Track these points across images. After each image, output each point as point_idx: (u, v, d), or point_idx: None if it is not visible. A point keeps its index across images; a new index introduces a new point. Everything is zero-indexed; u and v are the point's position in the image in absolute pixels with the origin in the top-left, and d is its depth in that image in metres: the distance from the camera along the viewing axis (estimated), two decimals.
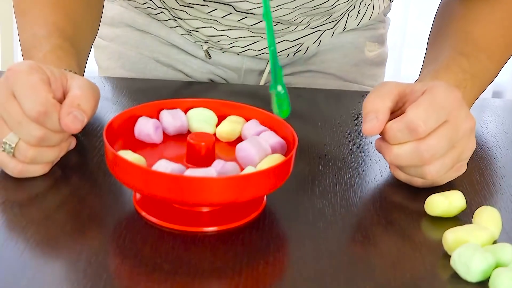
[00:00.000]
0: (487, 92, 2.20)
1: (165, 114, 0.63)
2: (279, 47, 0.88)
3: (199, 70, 0.92)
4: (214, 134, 0.63)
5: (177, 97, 0.69)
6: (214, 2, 0.81)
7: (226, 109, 0.64)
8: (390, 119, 0.61)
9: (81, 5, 0.77)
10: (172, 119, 0.62)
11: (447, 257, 0.54)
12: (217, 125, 0.64)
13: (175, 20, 0.88)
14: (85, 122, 0.60)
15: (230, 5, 0.81)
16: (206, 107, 0.64)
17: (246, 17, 0.83)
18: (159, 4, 0.88)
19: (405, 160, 0.60)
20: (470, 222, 0.58)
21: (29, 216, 0.57)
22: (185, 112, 0.64)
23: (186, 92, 0.84)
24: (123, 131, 0.61)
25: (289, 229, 0.58)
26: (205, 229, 0.56)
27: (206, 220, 0.57)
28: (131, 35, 0.91)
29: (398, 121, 0.59)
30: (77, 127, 0.59)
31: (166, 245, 0.54)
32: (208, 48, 0.89)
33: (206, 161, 0.59)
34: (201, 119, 0.63)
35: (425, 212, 0.60)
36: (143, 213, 0.57)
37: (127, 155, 0.57)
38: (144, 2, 0.88)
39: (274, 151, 0.59)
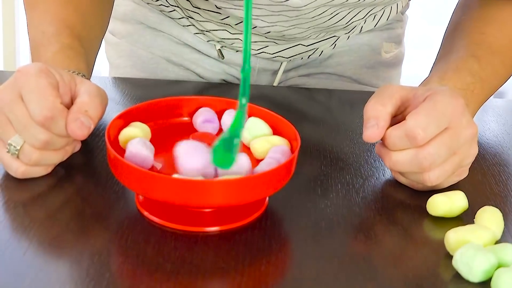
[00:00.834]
0: None
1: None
2: (294, 51, 0.88)
3: (211, 70, 0.91)
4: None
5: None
6: (226, 8, 0.81)
7: (229, 107, 0.64)
8: (392, 123, 0.61)
9: (88, 1, 0.76)
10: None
11: (449, 257, 0.54)
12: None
13: (188, 19, 0.87)
14: (91, 129, 0.60)
15: (240, 16, 0.81)
16: (209, 105, 0.64)
17: (256, 26, 0.82)
18: (172, 2, 0.87)
19: (404, 166, 0.60)
20: (472, 222, 0.58)
21: (32, 215, 0.57)
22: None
23: (192, 92, 0.84)
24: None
25: (291, 229, 0.58)
26: (208, 229, 0.56)
27: (208, 220, 0.57)
28: (143, 33, 0.90)
29: (398, 128, 0.59)
30: (83, 133, 0.59)
31: (168, 245, 0.54)
32: (221, 47, 0.88)
33: None
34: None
35: (427, 212, 0.60)
36: (146, 213, 0.57)
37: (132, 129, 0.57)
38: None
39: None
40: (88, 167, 0.65)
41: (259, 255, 0.54)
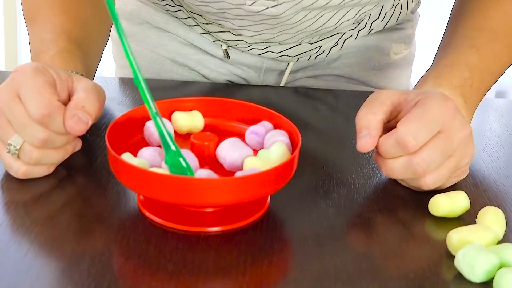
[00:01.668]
0: (491, 92, 2.19)
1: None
2: (299, 50, 0.87)
3: (217, 71, 0.90)
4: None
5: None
6: (217, 20, 0.81)
7: (230, 108, 0.64)
8: (386, 129, 0.61)
9: (89, 7, 0.76)
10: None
11: (451, 257, 0.54)
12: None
13: (193, 19, 0.87)
14: (89, 124, 0.60)
15: (239, 29, 0.81)
16: (207, 106, 0.64)
17: (262, 32, 0.81)
18: (177, 2, 0.87)
19: (399, 173, 0.60)
20: (474, 223, 0.58)
21: (33, 216, 0.57)
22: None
23: (190, 93, 0.84)
24: (126, 133, 0.61)
25: (293, 229, 0.58)
26: (209, 229, 0.56)
27: (210, 220, 0.57)
28: (149, 33, 0.90)
29: (390, 137, 0.59)
30: (81, 129, 0.59)
31: (170, 245, 0.54)
32: (227, 47, 0.88)
33: (210, 161, 0.59)
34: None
35: (429, 212, 0.60)
36: (147, 213, 0.57)
37: (130, 159, 0.57)
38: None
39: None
40: (89, 167, 0.65)
41: (260, 255, 0.54)
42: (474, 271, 0.51)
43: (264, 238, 0.56)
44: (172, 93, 0.83)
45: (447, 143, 0.59)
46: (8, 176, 0.62)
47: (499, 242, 0.56)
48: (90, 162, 0.66)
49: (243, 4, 0.75)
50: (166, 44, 0.90)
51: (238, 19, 0.79)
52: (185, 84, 0.87)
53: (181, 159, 0.55)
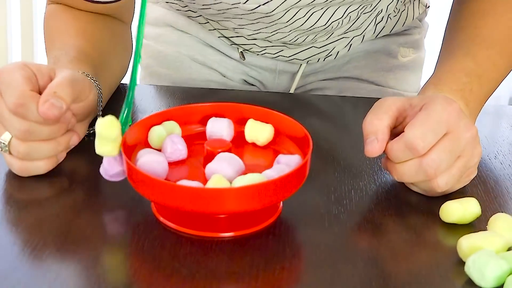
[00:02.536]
0: (504, 99, 2.19)
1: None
2: (308, 53, 0.90)
3: (233, 71, 0.94)
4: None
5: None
6: (219, 21, 0.84)
7: (243, 112, 0.65)
8: (392, 134, 0.62)
9: (108, 36, 0.79)
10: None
11: (462, 263, 0.54)
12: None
13: (211, 24, 0.91)
14: (63, 109, 0.60)
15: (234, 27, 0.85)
16: (220, 112, 0.65)
17: (275, 34, 0.85)
18: (196, 9, 0.90)
19: (410, 177, 0.61)
20: (485, 229, 0.58)
21: (50, 220, 0.58)
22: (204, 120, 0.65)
23: (209, 99, 0.85)
24: (141, 140, 0.62)
25: (305, 235, 0.58)
26: (222, 235, 0.57)
27: (223, 226, 0.58)
28: (171, 35, 0.94)
29: (398, 141, 0.60)
30: (54, 113, 0.60)
31: (184, 250, 0.55)
32: (243, 50, 0.92)
33: None
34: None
35: (440, 218, 0.60)
36: (161, 219, 0.58)
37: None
38: (185, 6, 0.91)
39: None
40: None
41: (273, 260, 0.54)
42: (485, 277, 0.51)
43: (277, 244, 0.56)
44: (177, 98, 0.84)
45: (454, 143, 0.60)
46: (25, 179, 0.63)
47: (510, 248, 0.56)
48: None
49: (239, 3, 0.79)
50: (187, 44, 0.94)
51: (238, 18, 0.83)
52: (190, 89, 0.89)
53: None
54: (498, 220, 0.58)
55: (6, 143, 0.61)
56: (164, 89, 0.88)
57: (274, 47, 0.89)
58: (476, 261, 0.52)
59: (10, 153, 0.62)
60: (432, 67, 0.76)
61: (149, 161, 0.58)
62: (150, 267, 0.53)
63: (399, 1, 0.89)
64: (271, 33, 0.85)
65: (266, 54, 0.91)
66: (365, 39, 0.91)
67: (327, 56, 0.91)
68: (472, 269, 0.52)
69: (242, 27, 0.85)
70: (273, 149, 0.63)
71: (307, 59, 0.91)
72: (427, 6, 0.96)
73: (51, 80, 0.63)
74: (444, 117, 0.60)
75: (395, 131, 0.63)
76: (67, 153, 0.65)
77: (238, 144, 0.64)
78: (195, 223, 0.57)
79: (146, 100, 0.83)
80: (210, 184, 0.56)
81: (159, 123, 0.63)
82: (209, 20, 0.90)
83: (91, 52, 0.73)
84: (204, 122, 0.65)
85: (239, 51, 0.92)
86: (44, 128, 0.61)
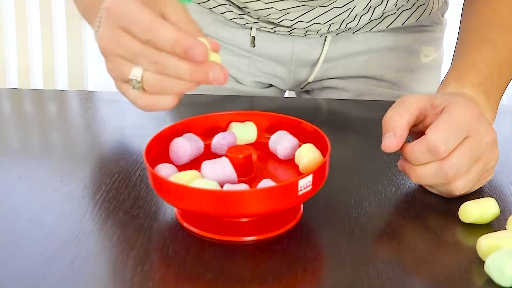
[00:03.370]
0: None
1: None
2: (329, 16, 0.87)
3: (246, 71, 0.93)
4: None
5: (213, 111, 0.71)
6: None
7: (258, 118, 0.67)
8: (412, 132, 0.63)
9: None
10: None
11: (481, 262, 0.55)
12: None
13: (224, 5, 0.90)
14: (207, 51, 0.55)
15: None
16: (237, 120, 0.67)
17: None
18: None
19: (430, 179, 0.62)
20: (504, 229, 0.59)
21: (79, 228, 0.60)
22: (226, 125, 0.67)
23: (226, 106, 0.87)
24: (164, 149, 0.64)
25: (326, 238, 0.59)
26: (245, 239, 0.58)
27: (245, 230, 0.59)
28: None
29: (419, 143, 0.61)
30: (201, 58, 0.54)
31: (208, 254, 0.56)
32: (258, 28, 0.89)
33: (245, 173, 0.61)
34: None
35: (459, 219, 0.61)
36: (185, 224, 0.60)
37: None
38: None
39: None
40: (128, 181, 0.67)
41: (295, 263, 0.55)
42: (504, 275, 0.52)
43: (298, 247, 0.57)
44: (192, 106, 0.86)
45: (474, 147, 0.61)
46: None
47: None
48: (129, 176, 0.68)
49: None
50: None
51: None
52: (203, 97, 0.90)
53: None
54: None
55: (139, 79, 0.56)
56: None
57: (293, 10, 0.85)
58: (495, 260, 0.53)
59: (143, 89, 0.56)
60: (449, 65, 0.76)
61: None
62: (176, 272, 0.54)
63: None
64: None
65: (284, 21, 0.87)
66: (390, 35, 0.90)
67: (349, 21, 0.88)
68: (491, 268, 0.53)
69: None
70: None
71: (328, 23, 0.87)
72: None
73: (160, 11, 0.57)
74: (465, 121, 0.61)
75: (415, 129, 0.64)
76: (94, 161, 0.67)
77: (261, 151, 0.65)
78: (218, 228, 0.59)
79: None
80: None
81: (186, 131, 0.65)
82: (221, 3, 0.88)
83: None
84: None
85: (251, 35, 0.90)
86: (177, 62, 0.55)
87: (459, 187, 0.61)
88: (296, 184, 0.56)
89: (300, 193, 0.56)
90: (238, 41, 0.92)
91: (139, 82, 0.56)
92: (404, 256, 0.57)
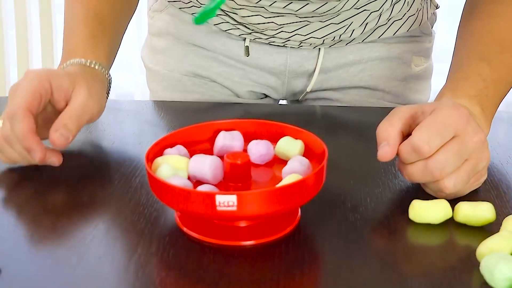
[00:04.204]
0: None
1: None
2: (326, 31, 0.88)
3: (240, 82, 0.94)
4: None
5: (209, 118, 0.72)
6: None
7: (258, 127, 0.68)
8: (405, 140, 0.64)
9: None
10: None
11: (477, 264, 0.56)
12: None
13: (219, 16, 0.90)
14: (70, 140, 0.68)
15: None
16: (235, 128, 0.67)
17: (291, 2, 0.83)
18: (203, 1, 0.90)
19: (418, 177, 0.63)
20: (498, 231, 0.60)
21: (80, 235, 0.61)
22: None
23: (218, 113, 0.88)
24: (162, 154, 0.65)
25: (323, 242, 0.60)
26: (243, 243, 0.59)
27: (244, 235, 0.60)
28: (176, 49, 0.95)
29: (405, 144, 0.63)
30: (61, 143, 0.68)
31: (207, 259, 0.57)
32: (253, 39, 0.91)
33: (243, 178, 0.62)
34: None
35: (455, 222, 0.62)
36: (185, 229, 0.61)
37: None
38: (189, 1, 0.92)
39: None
40: (128, 187, 0.68)
41: (293, 267, 0.56)
42: (494, 278, 0.53)
43: (296, 251, 0.58)
44: (189, 113, 0.86)
45: (461, 146, 0.62)
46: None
47: None
48: (130, 183, 0.69)
49: None
50: (191, 59, 0.95)
51: None
52: (197, 104, 0.91)
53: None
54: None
55: None
56: (175, 105, 0.90)
57: (292, 24, 0.86)
58: (487, 262, 0.53)
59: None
60: (439, 74, 0.77)
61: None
62: (176, 276, 0.55)
63: None
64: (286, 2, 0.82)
65: (281, 33, 0.88)
66: (381, 46, 0.92)
67: (342, 34, 0.89)
68: (484, 270, 0.54)
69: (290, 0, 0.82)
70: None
71: (324, 38, 0.89)
72: (437, 7, 0.97)
73: (65, 97, 0.70)
74: (451, 120, 0.62)
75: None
76: (95, 168, 0.68)
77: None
78: (218, 232, 0.60)
79: (169, 116, 0.86)
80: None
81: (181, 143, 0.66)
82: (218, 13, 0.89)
83: (103, 11, 0.81)
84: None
85: (245, 44, 0.91)
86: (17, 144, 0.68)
87: (448, 185, 0.63)
88: (293, 187, 0.57)
89: (297, 196, 0.57)
90: (231, 52, 0.93)
91: None
92: (400, 259, 0.58)
